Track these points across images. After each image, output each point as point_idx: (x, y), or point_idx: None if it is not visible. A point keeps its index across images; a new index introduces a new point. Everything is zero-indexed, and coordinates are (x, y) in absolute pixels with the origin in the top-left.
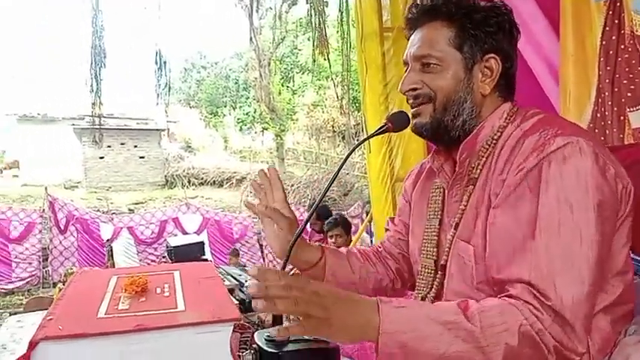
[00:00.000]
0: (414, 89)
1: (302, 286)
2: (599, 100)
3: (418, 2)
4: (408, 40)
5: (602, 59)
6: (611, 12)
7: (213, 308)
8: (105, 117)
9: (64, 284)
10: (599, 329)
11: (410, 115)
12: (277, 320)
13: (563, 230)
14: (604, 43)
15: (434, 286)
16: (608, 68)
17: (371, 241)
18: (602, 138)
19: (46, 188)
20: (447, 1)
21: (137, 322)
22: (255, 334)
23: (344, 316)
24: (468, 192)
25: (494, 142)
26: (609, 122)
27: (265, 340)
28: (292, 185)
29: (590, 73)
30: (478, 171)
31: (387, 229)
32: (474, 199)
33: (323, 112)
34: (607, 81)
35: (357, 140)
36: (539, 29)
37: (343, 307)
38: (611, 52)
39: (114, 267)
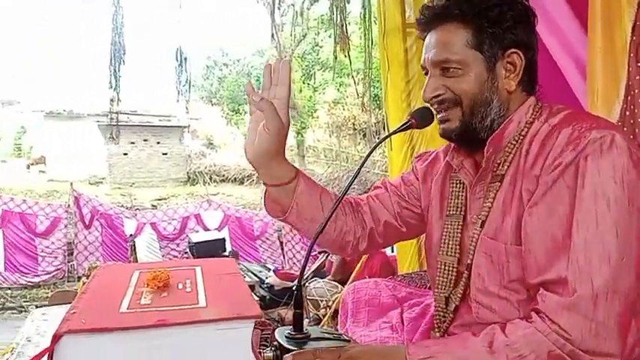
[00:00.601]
0: (438, 95)
1: (335, 357)
2: (629, 97)
3: (430, 4)
4: (423, 40)
5: (632, 55)
6: None
7: (234, 305)
8: (128, 114)
9: (87, 278)
10: (631, 333)
11: (436, 119)
12: (298, 318)
13: (600, 225)
14: (634, 38)
15: (459, 286)
16: (639, 64)
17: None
18: (632, 136)
19: (71, 184)
20: (459, 2)
21: (159, 317)
22: (276, 331)
23: None
24: (494, 189)
25: (521, 137)
26: (639, 120)
27: (286, 337)
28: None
29: (620, 69)
30: (505, 167)
31: (377, 187)
32: (501, 196)
33: (344, 109)
34: (637, 77)
35: (378, 138)
36: (565, 23)
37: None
38: None
39: (137, 262)
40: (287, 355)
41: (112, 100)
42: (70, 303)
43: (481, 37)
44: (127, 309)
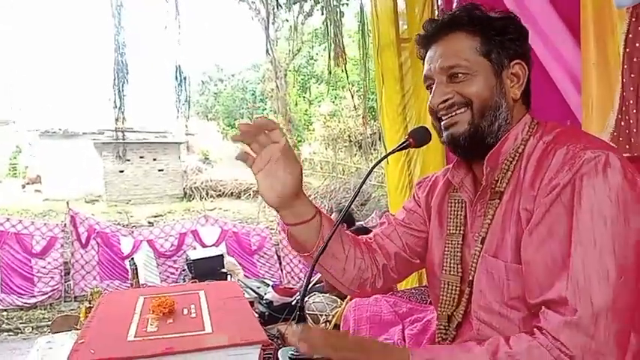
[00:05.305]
0: (446, 100)
1: (344, 342)
2: (623, 108)
3: (434, 18)
4: (422, 58)
5: (625, 67)
6: (634, 19)
7: (240, 330)
8: (125, 131)
9: (90, 303)
10: (630, 348)
11: (438, 128)
12: None
13: (598, 245)
14: (627, 50)
15: (461, 304)
16: (632, 76)
17: None
18: (627, 146)
19: (67, 203)
20: (467, 12)
21: (166, 345)
22: (279, 352)
23: None
24: (494, 206)
25: (517, 154)
26: (634, 130)
27: (289, 358)
28: (310, 195)
29: (613, 80)
30: (504, 184)
31: (382, 223)
32: (501, 213)
33: (339, 121)
34: (631, 89)
35: (374, 149)
36: (558, 37)
37: (378, 356)
38: (635, 59)
39: (139, 285)
40: (289, 328)
41: (116, 120)
42: (72, 328)
43: (489, 45)
44: (135, 337)
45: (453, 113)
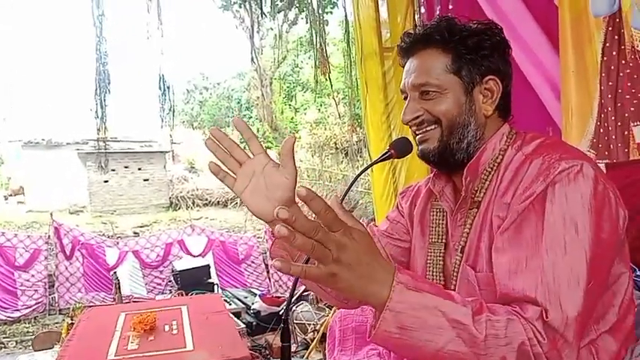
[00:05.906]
0: (417, 117)
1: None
2: (602, 115)
3: (410, 31)
4: (403, 67)
5: (603, 75)
6: (610, 28)
7: (222, 347)
8: (109, 140)
9: (71, 319)
10: (607, 350)
11: (415, 141)
12: (285, 343)
13: (569, 249)
14: (605, 58)
15: None
16: (610, 83)
17: None
18: (606, 153)
19: (51, 214)
20: (439, 29)
21: None
22: None
23: (356, 278)
24: (472, 215)
25: (496, 164)
26: (613, 137)
27: None
28: (297, 203)
29: (592, 88)
30: (481, 194)
31: None
32: (478, 222)
33: (325, 129)
34: (609, 96)
35: (361, 157)
36: (538, 46)
37: (360, 270)
38: (612, 67)
39: (121, 299)
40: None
41: (98, 130)
42: (54, 345)
43: (460, 62)
44: (115, 355)
45: (424, 130)
